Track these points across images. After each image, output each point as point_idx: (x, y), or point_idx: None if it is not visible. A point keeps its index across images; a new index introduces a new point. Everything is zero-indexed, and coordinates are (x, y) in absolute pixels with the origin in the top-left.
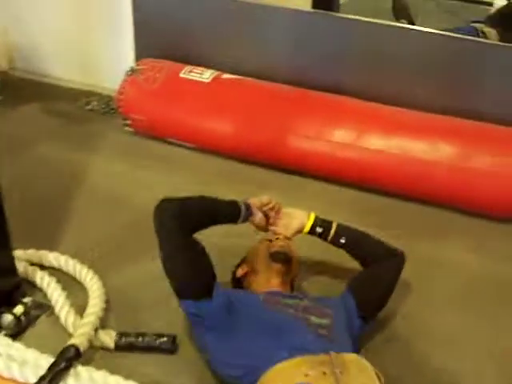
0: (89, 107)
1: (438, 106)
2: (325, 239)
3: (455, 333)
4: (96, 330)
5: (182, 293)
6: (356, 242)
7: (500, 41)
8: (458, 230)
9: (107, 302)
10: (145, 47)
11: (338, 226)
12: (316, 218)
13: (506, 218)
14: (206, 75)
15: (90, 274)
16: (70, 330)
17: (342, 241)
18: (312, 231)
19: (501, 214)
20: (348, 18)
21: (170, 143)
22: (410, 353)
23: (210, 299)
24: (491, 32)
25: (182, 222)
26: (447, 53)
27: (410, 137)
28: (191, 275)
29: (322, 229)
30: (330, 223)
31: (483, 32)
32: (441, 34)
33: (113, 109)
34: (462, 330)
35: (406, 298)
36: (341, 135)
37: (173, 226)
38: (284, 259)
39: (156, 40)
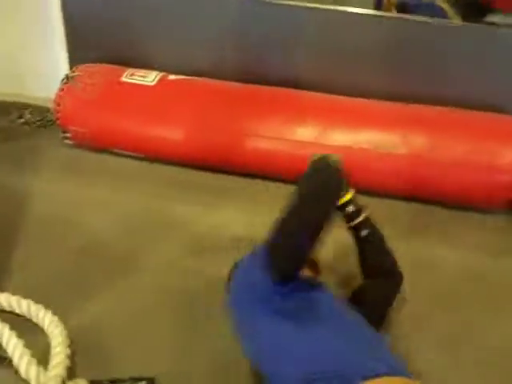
0: (22, 120)
1: (399, 93)
2: (349, 221)
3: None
4: (64, 382)
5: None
6: (374, 242)
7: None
8: (436, 225)
9: (71, 345)
10: (79, 51)
11: (368, 217)
12: (355, 196)
13: (485, 209)
14: (150, 78)
15: (49, 315)
16: None
17: (364, 233)
18: (344, 206)
19: (481, 205)
20: (296, 6)
21: (117, 154)
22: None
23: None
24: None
25: None
26: (403, 37)
27: (378, 130)
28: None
29: (354, 208)
30: (362, 209)
31: (442, 8)
32: (397, 18)
33: (50, 121)
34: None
35: None
36: (302, 133)
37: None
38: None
39: (91, 43)
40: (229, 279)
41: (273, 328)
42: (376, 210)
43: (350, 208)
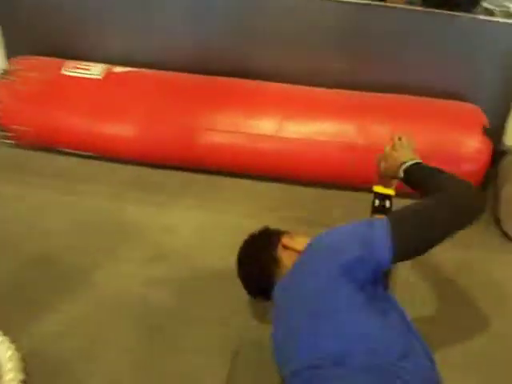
0: None
1: (358, 81)
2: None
3: None
4: None
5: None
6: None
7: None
8: None
9: (25, 369)
10: (16, 43)
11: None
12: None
13: None
14: (96, 71)
15: None
16: None
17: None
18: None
19: None
20: None
21: (64, 153)
22: None
23: None
24: None
25: None
26: (362, 23)
27: (336, 120)
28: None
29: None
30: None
31: None
32: (356, 3)
33: None
34: None
35: None
36: (260, 125)
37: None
38: None
39: (29, 34)
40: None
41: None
42: (338, 201)
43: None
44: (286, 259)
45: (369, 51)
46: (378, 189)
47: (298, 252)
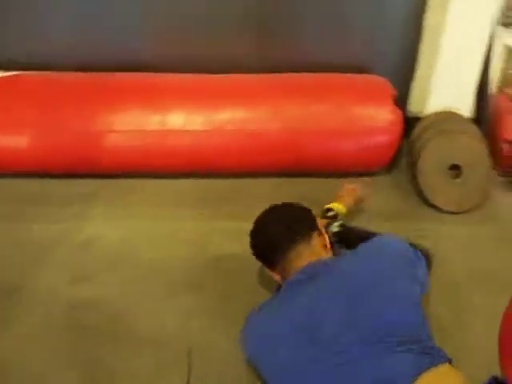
0: None
1: (264, 63)
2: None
3: None
4: None
5: None
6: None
7: None
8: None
9: None
10: None
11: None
12: None
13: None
14: None
15: None
16: None
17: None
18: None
19: (362, 168)
20: None
21: None
22: None
23: None
24: None
25: None
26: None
27: (247, 106)
28: None
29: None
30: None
31: None
32: None
33: None
34: None
35: None
36: (164, 121)
37: None
38: None
39: None
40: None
41: None
42: (260, 188)
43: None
44: (317, 245)
45: (270, 32)
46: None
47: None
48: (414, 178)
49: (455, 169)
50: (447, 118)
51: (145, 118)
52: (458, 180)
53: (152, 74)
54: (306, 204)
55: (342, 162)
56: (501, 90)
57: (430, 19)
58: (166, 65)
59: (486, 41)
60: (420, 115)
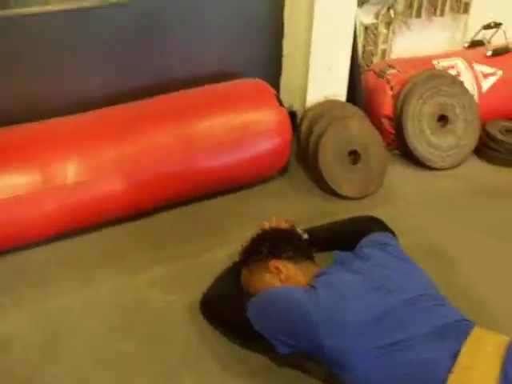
0: None
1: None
2: None
3: None
4: None
5: None
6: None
7: None
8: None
9: None
10: None
11: None
12: None
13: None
14: None
15: None
16: None
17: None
18: None
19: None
20: None
21: None
22: None
23: None
24: None
25: None
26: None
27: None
28: None
29: None
30: None
31: None
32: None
33: None
34: None
35: None
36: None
37: None
38: None
39: None
40: None
41: None
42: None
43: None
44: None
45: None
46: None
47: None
48: (314, 172)
49: (353, 154)
50: (331, 106)
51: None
52: (359, 165)
53: None
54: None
55: (241, 173)
56: (367, 67)
57: (292, 12)
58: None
59: (352, 23)
60: (300, 109)
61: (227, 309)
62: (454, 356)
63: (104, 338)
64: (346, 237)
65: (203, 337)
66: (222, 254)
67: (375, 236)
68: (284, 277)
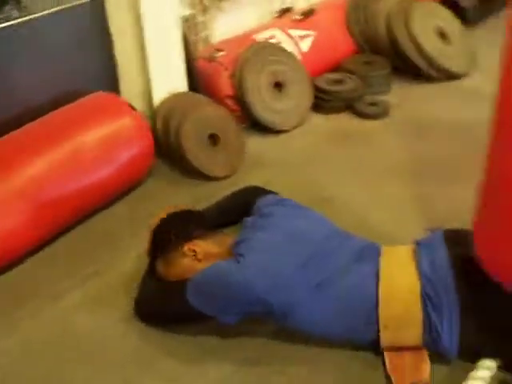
0: None
1: None
2: None
3: None
4: None
5: None
6: None
7: None
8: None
9: None
10: None
11: None
12: None
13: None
14: None
15: None
16: None
17: None
18: None
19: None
20: None
21: None
22: None
23: None
24: None
25: None
26: None
27: None
28: None
29: None
30: None
31: None
32: None
33: None
34: None
35: None
36: None
37: None
38: None
39: None
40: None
41: None
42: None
43: None
44: None
45: None
46: None
47: None
48: (183, 163)
49: (212, 138)
50: (178, 100)
51: None
52: (220, 145)
53: None
54: None
55: (117, 182)
56: (197, 56)
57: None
58: None
59: (177, 18)
60: (148, 111)
61: (164, 302)
62: (376, 272)
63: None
64: (237, 209)
65: (149, 340)
66: (130, 261)
67: (266, 198)
68: (202, 256)
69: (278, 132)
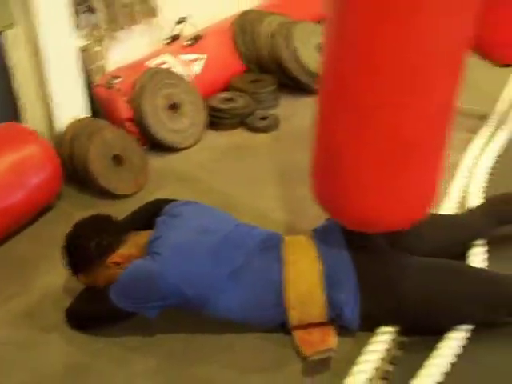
0: None
1: None
2: None
3: None
4: None
5: None
6: None
7: None
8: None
9: None
10: None
11: None
12: None
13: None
14: None
15: None
16: None
17: None
18: None
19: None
20: None
21: None
22: None
23: None
24: None
25: None
26: None
27: None
28: None
29: None
30: None
31: None
32: None
33: None
34: None
35: None
36: None
37: None
38: None
39: None
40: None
41: None
42: None
43: None
44: None
45: None
46: None
47: None
48: (91, 185)
49: (116, 158)
50: (81, 125)
51: None
52: (124, 165)
53: None
54: None
55: (27, 208)
56: (96, 84)
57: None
58: None
59: (74, 50)
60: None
61: (91, 306)
62: (280, 258)
63: None
64: (148, 215)
65: (77, 346)
66: (45, 282)
67: (173, 202)
68: (123, 263)
69: (178, 150)
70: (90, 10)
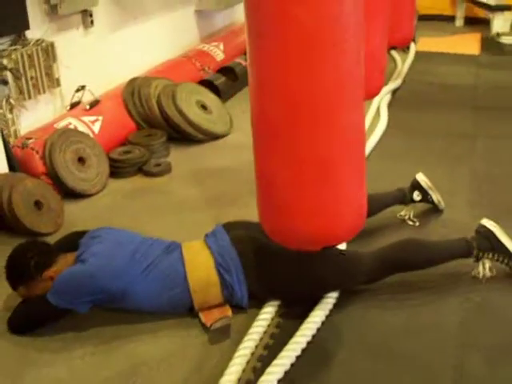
0: None
1: None
2: None
3: None
4: None
5: None
6: None
7: None
8: None
9: None
10: None
11: None
12: None
13: None
14: None
15: None
16: None
17: None
18: None
19: None
20: None
21: None
22: None
23: None
24: None
25: None
26: None
27: None
28: None
29: None
30: None
31: None
32: None
33: None
34: None
35: None
36: None
37: None
38: None
39: None
40: None
41: None
42: None
43: None
44: None
45: None
46: None
47: None
48: (17, 229)
49: (36, 204)
50: (6, 177)
51: None
52: (44, 209)
53: None
54: None
55: None
56: (13, 145)
57: None
58: None
59: None
60: None
61: (30, 309)
62: (181, 257)
63: None
64: (71, 242)
65: (18, 346)
66: None
67: (91, 230)
68: (56, 277)
69: (88, 195)
70: (3, 82)
